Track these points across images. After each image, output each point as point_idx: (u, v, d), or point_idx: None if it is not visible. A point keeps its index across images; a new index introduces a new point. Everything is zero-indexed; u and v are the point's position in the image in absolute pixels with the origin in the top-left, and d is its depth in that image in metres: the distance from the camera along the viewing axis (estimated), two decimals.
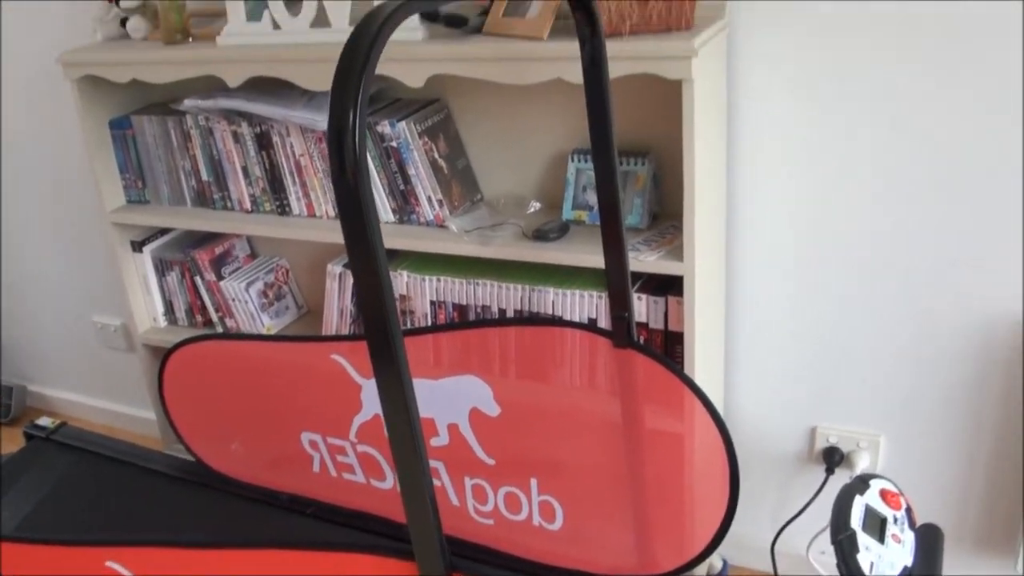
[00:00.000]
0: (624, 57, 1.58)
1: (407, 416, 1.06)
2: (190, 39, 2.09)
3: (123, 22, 2.22)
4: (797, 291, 1.94)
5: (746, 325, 2.01)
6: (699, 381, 1.67)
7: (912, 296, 1.84)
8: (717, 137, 1.78)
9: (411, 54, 1.74)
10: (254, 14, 1.92)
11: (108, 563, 1.51)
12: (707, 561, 2.04)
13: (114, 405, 3.11)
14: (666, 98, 1.82)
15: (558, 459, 1.74)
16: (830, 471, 2.03)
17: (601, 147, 1.48)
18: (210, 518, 2.00)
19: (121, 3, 2.16)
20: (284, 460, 2.01)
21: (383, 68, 1.77)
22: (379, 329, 1.02)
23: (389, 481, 1.89)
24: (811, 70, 1.76)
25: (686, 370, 1.78)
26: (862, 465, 2.00)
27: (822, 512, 2.03)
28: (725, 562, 2.20)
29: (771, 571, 2.14)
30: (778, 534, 2.07)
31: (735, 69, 1.81)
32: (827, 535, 1.46)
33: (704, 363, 1.85)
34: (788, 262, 1.92)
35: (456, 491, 1.83)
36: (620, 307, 1.61)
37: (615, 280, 1.60)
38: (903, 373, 1.92)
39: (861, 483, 1.48)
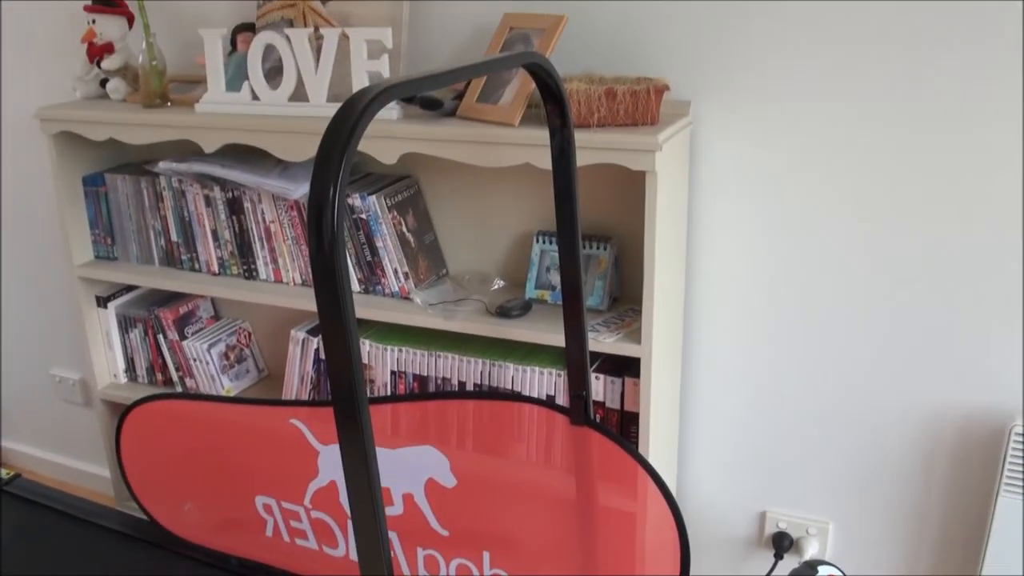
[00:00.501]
0: (592, 147, 1.64)
1: (369, 483, 1.09)
2: (168, 103, 2.13)
3: (103, 83, 2.26)
4: (752, 376, 1.99)
5: (701, 408, 2.06)
6: (653, 461, 1.71)
7: (862, 387, 1.90)
8: (677, 226, 1.84)
9: (386, 132, 1.80)
10: (233, 84, 1.97)
11: None
12: None
13: (69, 460, 3.08)
14: (630, 187, 1.89)
15: (511, 533, 1.76)
16: (779, 556, 2.06)
17: (566, 230, 1.53)
18: None
19: (103, 64, 2.21)
20: (237, 523, 2.01)
21: (359, 144, 1.81)
22: (346, 397, 1.05)
23: (341, 548, 1.90)
24: (770, 165, 1.83)
25: (641, 450, 1.82)
26: (811, 551, 2.03)
27: None
28: None
29: None
30: None
31: (697, 163, 1.88)
32: None
33: (658, 444, 1.89)
34: (744, 348, 1.98)
35: (408, 561, 1.84)
36: (578, 385, 1.65)
37: (574, 359, 1.64)
38: (853, 463, 1.96)
39: (809, 569, 1.52)
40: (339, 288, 1.00)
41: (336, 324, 1.02)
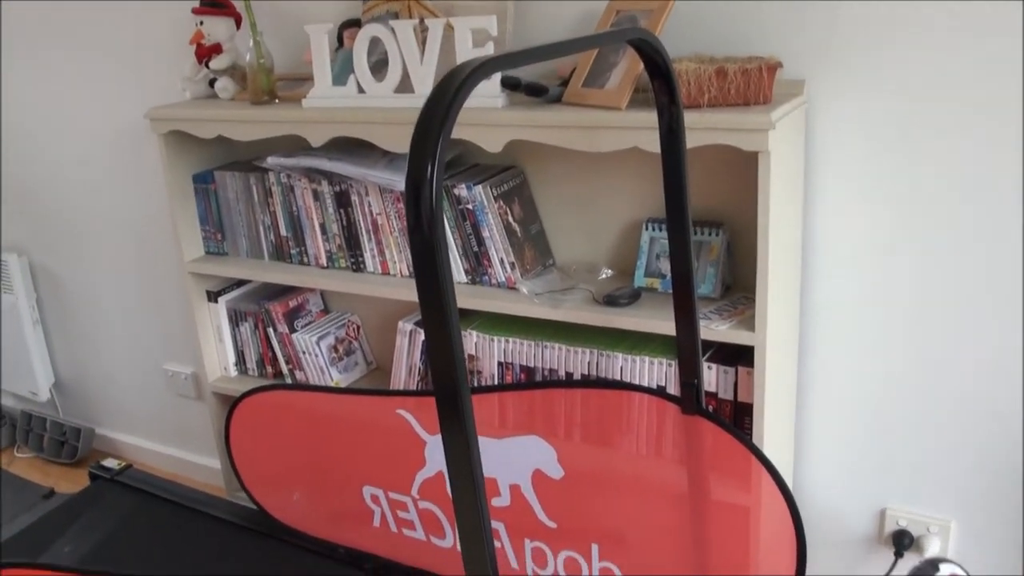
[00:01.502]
0: (701, 128, 1.60)
1: (471, 474, 1.07)
2: (276, 100, 2.16)
3: (212, 83, 2.30)
4: (871, 369, 1.92)
5: (818, 400, 1.99)
6: (767, 454, 1.65)
7: (988, 381, 1.81)
8: (793, 211, 1.78)
9: (491, 120, 1.78)
10: (340, 79, 1.98)
11: None
12: None
13: (180, 452, 3.15)
14: (742, 170, 1.84)
15: (620, 525, 1.73)
16: (899, 555, 1.98)
17: (676, 215, 1.49)
18: (269, 566, 2.01)
19: (211, 64, 2.24)
20: (344, 513, 2.02)
21: (464, 133, 1.81)
22: (447, 379, 1.03)
23: (449, 539, 1.89)
24: (890, 146, 1.76)
25: (754, 442, 1.76)
26: (932, 550, 1.95)
27: None
28: None
29: None
30: None
31: (813, 144, 1.82)
32: None
33: (773, 436, 1.83)
34: (863, 340, 1.90)
35: (516, 553, 1.82)
36: (689, 374, 1.61)
37: (685, 347, 1.60)
38: (977, 459, 1.88)
39: (931, 567, 1.46)
40: (439, 266, 0.98)
41: (436, 304, 1.00)
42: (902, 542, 1.98)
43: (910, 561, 1.98)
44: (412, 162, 0.97)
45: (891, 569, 1.99)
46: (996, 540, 1.91)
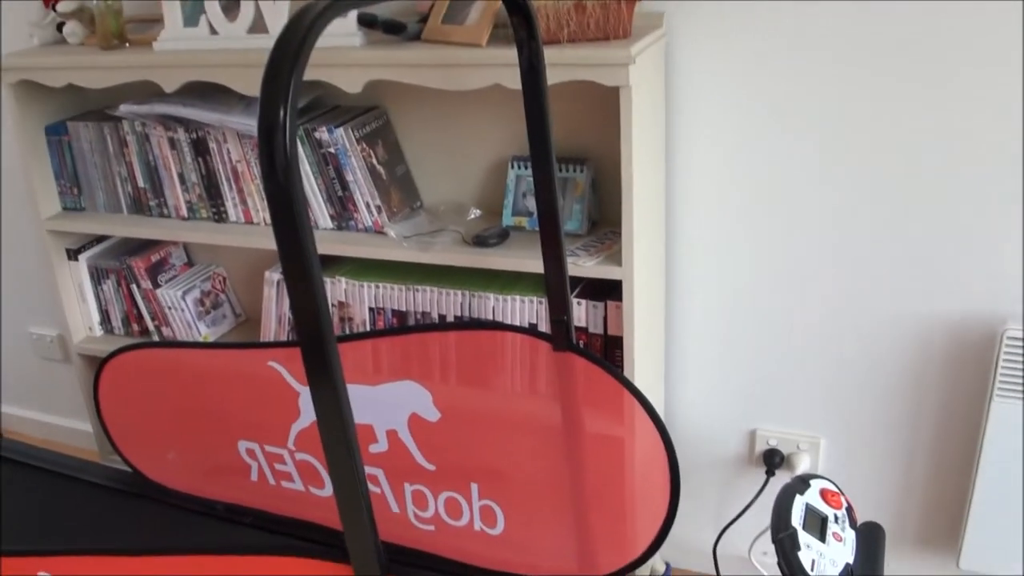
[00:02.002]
0: (562, 64, 1.59)
1: (341, 421, 1.05)
2: (127, 44, 2.07)
3: (59, 27, 2.18)
4: (737, 295, 1.96)
5: (686, 329, 2.03)
6: (639, 385, 1.68)
7: (850, 300, 1.87)
8: (655, 144, 1.79)
9: (348, 59, 1.74)
10: (191, 19, 1.90)
11: (40, 574, 1.48)
12: (649, 564, 2.05)
13: (51, 417, 3.05)
14: (604, 106, 1.84)
15: (498, 464, 1.74)
16: (770, 473, 2.05)
17: (540, 153, 1.48)
18: (147, 528, 1.97)
19: (58, 7, 2.13)
20: (221, 469, 1.99)
21: (321, 74, 1.76)
22: (311, 329, 1.01)
23: (328, 489, 1.87)
24: (749, 76, 1.78)
25: (626, 374, 1.79)
26: (802, 467, 2.02)
27: (763, 514, 2.05)
28: (668, 565, 2.21)
29: (713, 573, 2.16)
30: (719, 536, 2.09)
31: (673, 77, 1.83)
32: (768, 536, 1.47)
33: (644, 367, 1.86)
34: (728, 266, 1.94)
35: (396, 497, 1.82)
36: (559, 311, 1.61)
37: (554, 285, 1.60)
38: (842, 376, 1.94)
39: (801, 483, 1.50)
40: (296, 214, 0.95)
41: (295, 253, 0.97)
42: (773, 461, 2.05)
43: (782, 478, 2.05)
44: (263, 106, 0.93)
45: (763, 487, 2.06)
46: (866, 453, 1.99)
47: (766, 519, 1.66)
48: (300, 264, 0.97)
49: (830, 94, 1.73)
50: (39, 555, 1.51)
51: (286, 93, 0.93)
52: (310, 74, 1.62)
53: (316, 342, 1.01)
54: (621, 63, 1.56)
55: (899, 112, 1.70)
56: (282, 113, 0.93)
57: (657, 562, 2.20)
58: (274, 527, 1.92)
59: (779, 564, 1.40)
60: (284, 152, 0.93)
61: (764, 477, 2.06)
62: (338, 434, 1.06)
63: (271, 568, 1.32)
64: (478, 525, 1.78)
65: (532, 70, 1.42)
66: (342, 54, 1.73)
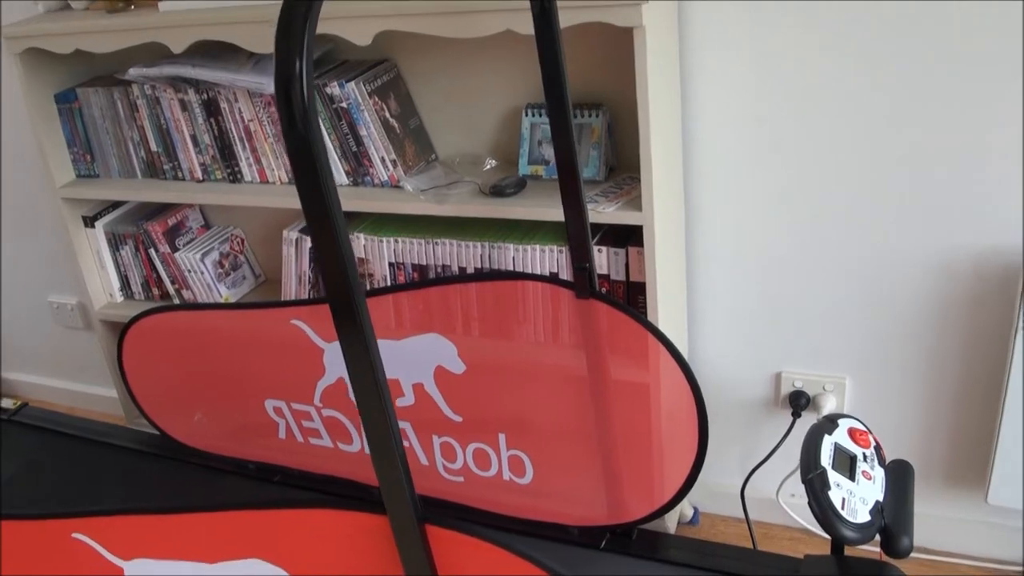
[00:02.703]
0: (573, 5, 1.56)
1: (372, 375, 1.05)
2: (132, 6, 2.05)
3: None
4: (757, 238, 1.94)
5: (707, 273, 2.02)
6: (663, 330, 1.67)
7: (872, 237, 1.85)
8: (671, 86, 1.77)
9: (356, 11, 1.72)
10: None
11: (75, 535, 1.49)
12: (678, 509, 2.06)
13: (75, 385, 3.07)
14: (617, 48, 1.81)
15: (525, 413, 1.74)
16: (796, 415, 2.04)
17: (555, 99, 1.47)
18: (178, 489, 1.99)
19: None
20: (249, 429, 2.00)
21: (329, 27, 1.74)
22: (339, 282, 1.00)
23: (356, 444, 1.88)
24: (765, 14, 1.75)
25: (649, 320, 1.78)
26: (828, 407, 2.01)
27: (790, 456, 2.05)
28: (696, 509, 2.22)
29: (742, 516, 2.16)
30: (747, 479, 2.09)
31: (686, 16, 1.80)
32: (796, 478, 1.47)
33: (667, 312, 1.85)
34: (747, 208, 1.92)
35: (424, 450, 1.83)
36: (581, 258, 1.60)
37: (575, 232, 1.59)
38: (865, 314, 1.93)
39: (829, 423, 1.49)
40: (318, 165, 0.95)
41: (319, 205, 0.97)
42: (799, 402, 2.04)
43: (808, 420, 2.04)
44: (279, 59, 0.92)
45: (789, 429, 2.05)
46: (891, 393, 1.98)
47: (793, 461, 1.66)
48: (325, 216, 0.97)
49: (853, 22, 1.70)
50: (72, 517, 1.52)
51: (301, 43, 0.92)
52: (319, 27, 1.59)
53: (344, 295, 1.01)
54: (634, 2, 1.53)
55: (923, 38, 1.67)
56: (298, 64, 0.92)
57: (685, 507, 2.21)
58: (304, 483, 1.94)
59: (809, 504, 1.40)
60: (303, 103, 0.92)
61: (790, 419, 2.06)
62: (370, 388, 1.06)
63: (307, 521, 1.33)
64: (507, 475, 1.79)
65: (544, 13, 1.40)
66: (352, 5, 1.71)
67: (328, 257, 0.99)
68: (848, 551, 1.42)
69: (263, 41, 1.81)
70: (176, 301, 2.33)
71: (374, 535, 1.29)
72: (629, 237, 1.80)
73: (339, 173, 1.96)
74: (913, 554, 2.04)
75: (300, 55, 0.91)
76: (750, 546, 2.10)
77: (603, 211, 1.72)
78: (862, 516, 1.37)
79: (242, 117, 2.01)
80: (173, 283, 2.31)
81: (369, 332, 1.04)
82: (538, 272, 1.85)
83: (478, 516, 1.77)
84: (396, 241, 1.94)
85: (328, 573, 1.38)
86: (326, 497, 1.76)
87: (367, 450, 1.87)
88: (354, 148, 1.92)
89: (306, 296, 2.12)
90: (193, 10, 1.88)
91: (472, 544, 1.20)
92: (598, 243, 1.81)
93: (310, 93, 0.92)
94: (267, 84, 1.90)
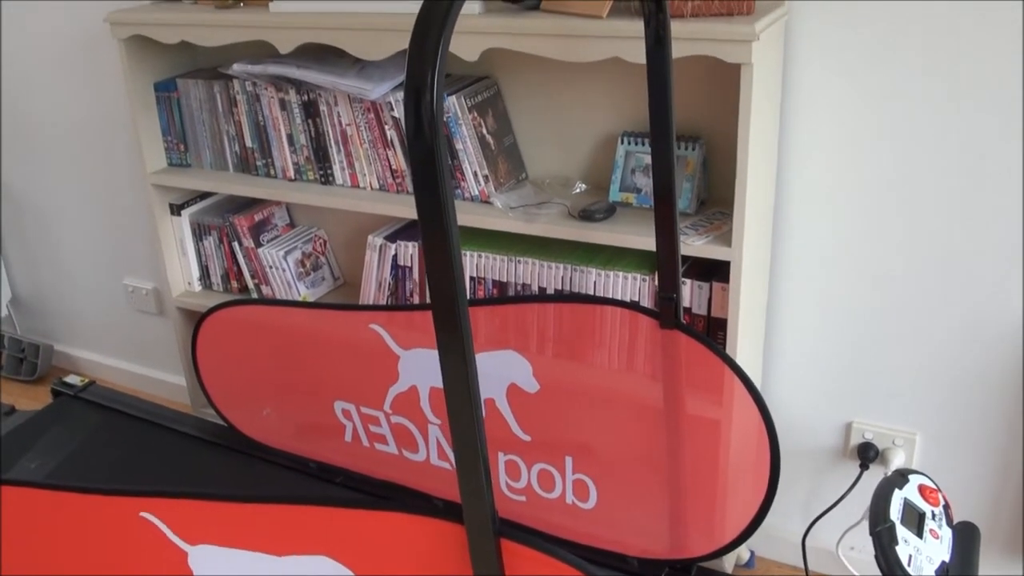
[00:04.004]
0: (684, 38, 1.57)
1: (467, 384, 1.06)
2: (242, 3, 2.08)
3: None
4: (840, 285, 1.93)
5: (788, 316, 2.00)
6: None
7: (956, 295, 1.83)
8: (770, 125, 1.77)
9: (467, 27, 1.74)
10: None
11: (142, 514, 1.51)
12: (735, 551, 2.04)
13: (141, 368, 3.11)
14: (721, 83, 1.82)
15: (594, 438, 1.73)
16: (864, 467, 2.02)
17: (660, 128, 1.47)
18: (240, 481, 2.01)
19: None
20: (316, 428, 2.01)
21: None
22: (446, 292, 1.01)
23: (422, 453, 1.89)
24: (869, 63, 1.74)
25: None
26: (897, 462, 1.98)
27: (854, 508, 2.02)
28: (752, 553, 2.19)
29: (799, 565, 2.13)
30: (809, 528, 2.06)
31: (792, 58, 1.79)
32: (858, 531, 1.45)
33: (746, 351, 1.84)
34: (833, 255, 1.91)
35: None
36: (668, 288, 1.60)
37: (664, 261, 1.59)
38: (942, 372, 1.90)
39: (900, 477, 1.48)
40: (440, 175, 0.96)
41: (436, 216, 0.98)
42: (867, 454, 2.01)
43: (875, 473, 2.02)
44: (412, 67, 0.93)
45: (856, 480, 2.02)
46: (961, 453, 1.95)
47: (856, 514, 1.64)
48: (440, 225, 0.98)
49: (955, 82, 1.69)
50: (140, 496, 1.54)
51: (435, 55, 0.94)
52: None
53: (449, 304, 1.02)
54: (745, 39, 1.54)
55: (1018, 98, 1.65)
56: (431, 75, 0.93)
57: (743, 549, 2.19)
58: (366, 488, 1.95)
59: (876, 558, 1.38)
60: (432, 113, 0.93)
61: (857, 470, 2.03)
62: (464, 397, 1.07)
63: (377, 523, 1.33)
64: (570, 499, 1.79)
65: (659, 43, 1.41)
66: (462, 21, 1.73)
67: (438, 266, 1.01)
68: None
69: (369, 48, 1.84)
70: (255, 295, 2.36)
71: (445, 543, 1.30)
72: (715, 272, 1.79)
73: None
74: None
75: (433, 66, 0.93)
76: None
77: (692, 243, 1.72)
78: (927, 574, 1.35)
79: (340, 121, 2.04)
80: (253, 277, 2.34)
81: (468, 342, 1.04)
82: (618, 299, 1.85)
83: (541, 537, 1.77)
84: (479, 255, 1.96)
85: None
86: (394, 501, 1.76)
87: (433, 460, 1.89)
88: (448, 161, 1.94)
89: (384, 303, 2.13)
90: (303, 12, 1.92)
91: (545, 563, 1.20)
92: (683, 275, 1.81)
93: (439, 104, 0.93)
94: (370, 90, 1.92)
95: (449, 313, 1.02)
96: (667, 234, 1.55)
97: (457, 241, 0.99)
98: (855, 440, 2.04)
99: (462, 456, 1.11)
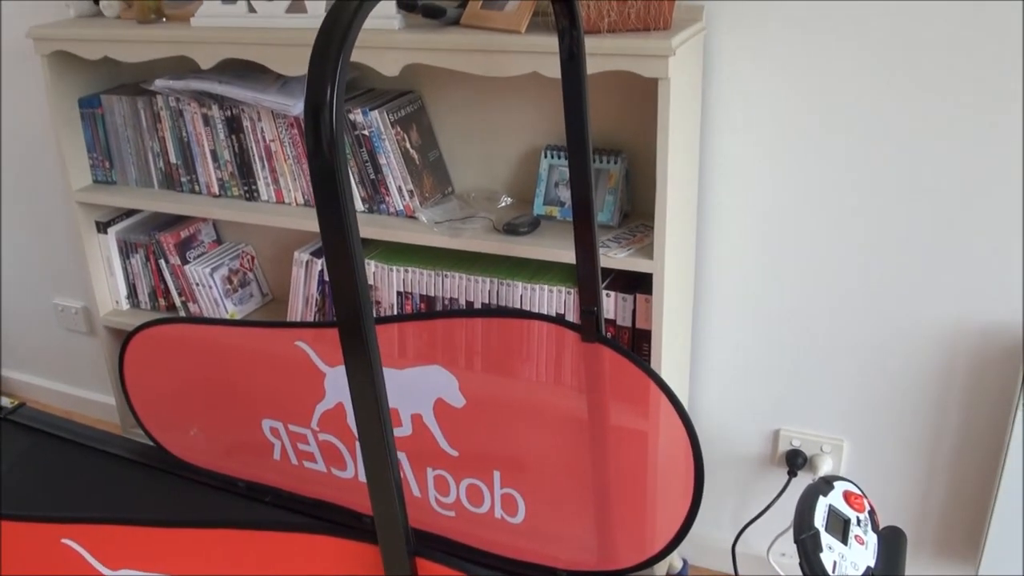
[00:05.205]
0: (602, 53, 1.58)
1: (376, 402, 1.05)
2: (164, 19, 2.07)
3: (96, 0, 2.19)
4: (764, 294, 1.95)
5: (713, 326, 2.02)
6: (665, 379, 1.67)
7: (877, 303, 1.86)
8: (690, 137, 1.78)
9: (387, 42, 1.73)
10: None
11: (64, 540, 1.49)
12: (667, 560, 2.05)
13: (73, 389, 3.06)
14: (641, 97, 1.83)
15: (522, 452, 1.73)
16: (792, 474, 2.04)
17: (576, 142, 1.48)
18: (168, 502, 1.98)
19: None
20: (244, 447, 1.99)
21: (358, 56, 1.76)
22: (350, 309, 1.01)
23: (350, 470, 1.88)
24: (785, 74, 1.77)
25: (652, 368, 1.78)
26: (825, 468, 2.01)
27: (783, 515, 2.05)
28: (685, 562, 2.21)
29: (731, 572, 2.15)
30: (739, 535, 2.08)
31: (710, 72, 1.82)
32: (788, 537, 1.46)
33: (671, 362, 1.85)
34: (756, 264, 1.93)
35: (418, 482, 1.82)
36: (589, 302, 1.61)
37: (585, 275, 1.60)
38: (868, 378, 1.93)
39: (825, 484, 1.49)
40: (340, 193, 0.96)
41: (338, 233, 0.98)
42: (796, 462, 2.04)
43: (804, 480, 2.04)
44: (311, 85, 0.93)
45: (784, 487, 2.05)
46: (888, 459, 1.98)
47: (786, 520, 1.65)
48: (342, 243, 0.98)
49: (869, 93, 1.72)
50: (62, 522, 1.51)
51: (334, 72, 0.93)
52: None
53: (354, 321, 1.01)
54: (661, 54, 1.55)
55: (937, 112, 1.68)
56: (330, 92, 0.93)
57: (675, 559, 2.20)
58: (295, 506, 1.93)
59: (800, 565, 1.39)
60: (331, 131, 0.93)
61: (786, 478, 2.05)
62: (372, 415, 1.06)
63: (296, 545, 1.32)
64: (499, 513, 1.78)
65: (572, 59, 1.41)
66: (381, 36, 1.73)
67: (342, 282, 1.00)
68: None
69: (291, 64, 1.83)
70: (182, 314, 2.33)
71: (362, 564, 1.29)
72: (638, 284, 1.80)
73: (355, 199, 1.97)
74: None
75: (333, 82, 0.93)
76: None
77: (614, 256, 1.73)
78: None
79: (263, 136, 2.02)
80: (180, 295, 2.32)
81: (376, 359, 1.04)
82: (545, 312, 1.86)
83: (467, 552, 1.76)
84: (406, 271, 1.95)
85: None
86: (317, 523, 1.75)
87: (361, 477, 1.88)
88: (372, 176, 1.93)
89: (312, 318, 2.12)
90: (224, 28, 1.90)
91: None
92: (607, 288, 1.82)
93: (339, 121, 0.93)
94: (292, 106, 1.91)
95: (354, 331, 1.02)
96: (586, 247, 1.55)
97: (360, 257, 0.99)
98: (783, 447, 2.06)
99: (374, 475, 1.11)
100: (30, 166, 2.72)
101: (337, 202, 0.96)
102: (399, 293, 1.98)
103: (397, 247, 2.01)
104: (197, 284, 2.27)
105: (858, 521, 1.47)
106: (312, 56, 0.94)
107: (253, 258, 2.39)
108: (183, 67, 2.10)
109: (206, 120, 2.08)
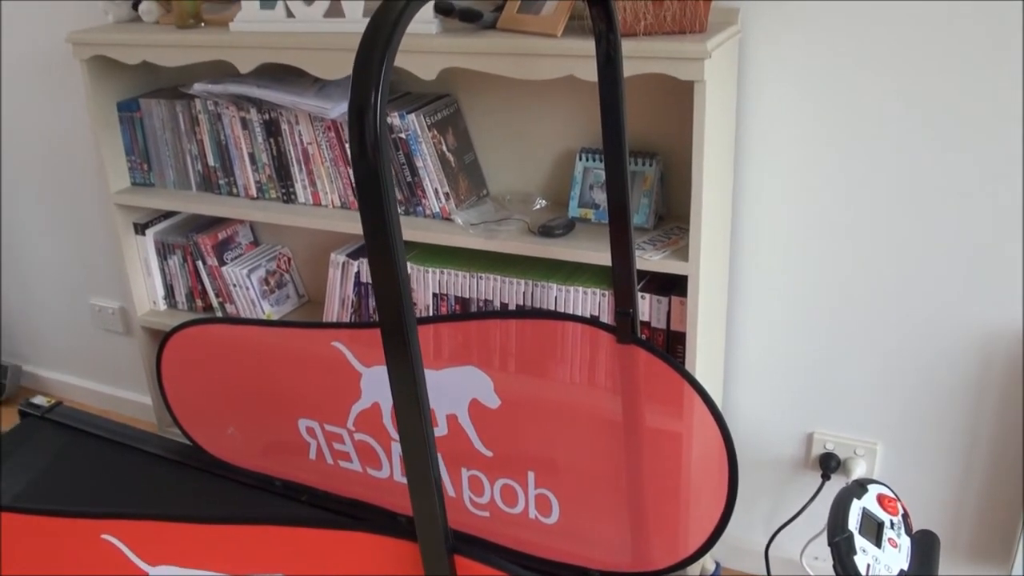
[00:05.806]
0: (637, 56, 1.59)
1: (417, 402, 1.07)
2: (202, 24, 2.09)
3: (135, 5, 2.22)
4: (799, 296, 1.95)
5: (747, 328, 2.02)
6: (699, 381, 1.67)
7: (913, 305, 1.85)
8: (725, 140, 1.79)
9: (424, 47, 1.75)
10: (268, 2, 1.92)
11: (104, 536, 1.51)
12: (700, 562, 2.05)
13: (108, 388, 3.10)
14: (676, 100, 1.84)
15: (556, 453, 1.74)
16: (826, 477, 2.03)
17: (613, 145, 1.49)
18: (205, 500, 2.00)
19: None
20: (280, 446, 2.01)
21: (397, 60, 1.77)
22: (393, 310, 1.02)
23: (385, 470, 1.89)
24: (822, 76, 1.77)
25: (687, 370, 1.79)
26: (858, 472, 2.00)
27: (817, 518, 2.04)
28: (718, 564, 2.21)
29: (763, 574, 2.15)
30: (772, 538, 2.08)
31: (746, 74, 1.82)
32: (821, 540, 1.46)
33: (705, 364, 1.86)
34: (791, 267, 1.93)
35: (452, 482, 1.83)
36: (625, 303, 1.62)
37: (620, 277, 1.61)
38: (902, 381, 1.93)
39: (859, 487, 1.49)
40: (384, 195, 0.97)
41: (381, 234, 0.99)
42: (829, 464, 2.03)
43: (837, 483, 2.04)
44: (355, 88, 0.95)
45: (818, 491, 2.04)
46: (922, 462, 1.97)
47: (819, 523, 1.65)
48: (385, 244, 0.99)
49: (907, 100, 1.72)
50: (101, 518, 1.54)
51: (379, 76, 0.95)
52: None
53: (396, 323, 1.03)
54: (697, 57, 1.56)
55: (977, 116, 1.68)
56: (374, 95, 0.94)
57: (707, 561, 2.20)
58: (330, 505, 1.95)
59: (834, 567, 1.39)
60: (375, 133, 0.94)
61: (819, 481, 2.05)
62: (413, 415, 1.07)
63: (333, 541, 1.34)
64: (532, 513, 1.79)
65: (609, 62, 1.42)
66: (418, 41, 1.75)
67: (385, 284, 1.01)
68: None
69: (329, 67, 1.85)
70: (219, 314, 2.36)
71: (400, 562, 1.30)
72: (673, 286, 1.81)
73: None
74: None
75: (377, 86, 0.94)
76: None
77: (649, 259, 1.74)
78: None
79: (301, 139, 2.05)
80: (217, 296, 2.34)
81: (418, 360, 1.05)
82: (579, 314, 1.86)
83: (501, 552, 1.77)
84: (442, 272, 1.97)
85: None
86: (355, 520, 1.77)
87: (396, 477, 1.89)
88: (409, 178, 1.95)
89: (348, 320, 2.14)
90: (262, 32, 1.92)
91: None
92: (642, 290, 1.83)
93: (383, 124, 0.94)
94: (330, 109, 1.93)
95: (397, 332, 1.03)
96: (622, 249, 1.56)
97: (403, 259, 1.00)
98: (817, 450, 2.05)
99: (414, 474, 1.12)
100: (69, 168, 2.76)
101: (381, 204, 0.97)
102: (435, 295, 1.99)
103: (433, 249, 2.02)
104: (234, 285, 2.30)
105: (892, 524, 1.47)
106: (356, 60, 0.95)
107: (290, 260, 2.41)
108: (220, 71, 2.12)
109: (244, 123, 2.11)
